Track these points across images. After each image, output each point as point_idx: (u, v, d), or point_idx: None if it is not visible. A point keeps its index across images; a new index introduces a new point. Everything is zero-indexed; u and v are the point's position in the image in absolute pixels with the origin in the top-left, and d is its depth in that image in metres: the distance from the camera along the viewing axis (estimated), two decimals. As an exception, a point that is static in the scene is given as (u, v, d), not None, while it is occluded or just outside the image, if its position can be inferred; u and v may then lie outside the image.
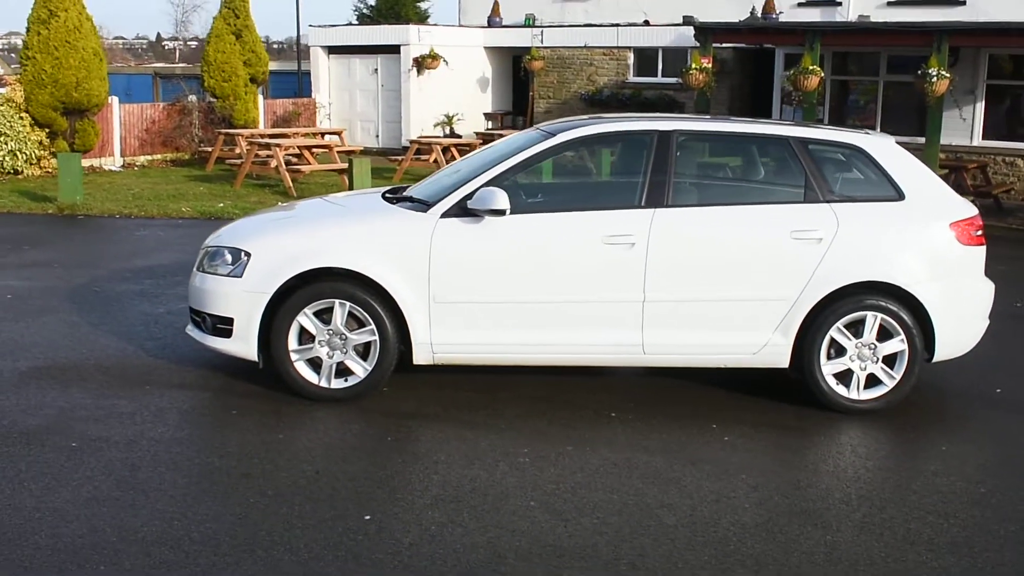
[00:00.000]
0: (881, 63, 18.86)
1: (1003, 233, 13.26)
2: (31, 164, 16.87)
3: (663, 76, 21.79)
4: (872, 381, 5.95)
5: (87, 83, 16.89)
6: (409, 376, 6.24)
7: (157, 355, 6.82)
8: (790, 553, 4.23)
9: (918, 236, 5.99)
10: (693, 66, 17.57)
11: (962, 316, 6.05)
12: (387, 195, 6.55)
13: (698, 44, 18.00)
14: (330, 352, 5.85)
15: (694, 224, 5.91)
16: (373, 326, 5.80)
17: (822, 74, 16.61)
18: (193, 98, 20.23)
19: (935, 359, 6.04)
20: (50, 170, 16.76)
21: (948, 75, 15.38)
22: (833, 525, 4.50)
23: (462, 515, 4.48)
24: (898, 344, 5.89)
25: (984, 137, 17.88)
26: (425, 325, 5.83)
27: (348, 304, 5.79)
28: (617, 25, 22.25)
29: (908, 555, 4.24)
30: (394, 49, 22.76)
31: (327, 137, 20.05)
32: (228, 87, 19.58)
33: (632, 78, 22.24)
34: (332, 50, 23.79)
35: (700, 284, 5.85)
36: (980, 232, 6.14)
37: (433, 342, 5.87)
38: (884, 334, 5.90)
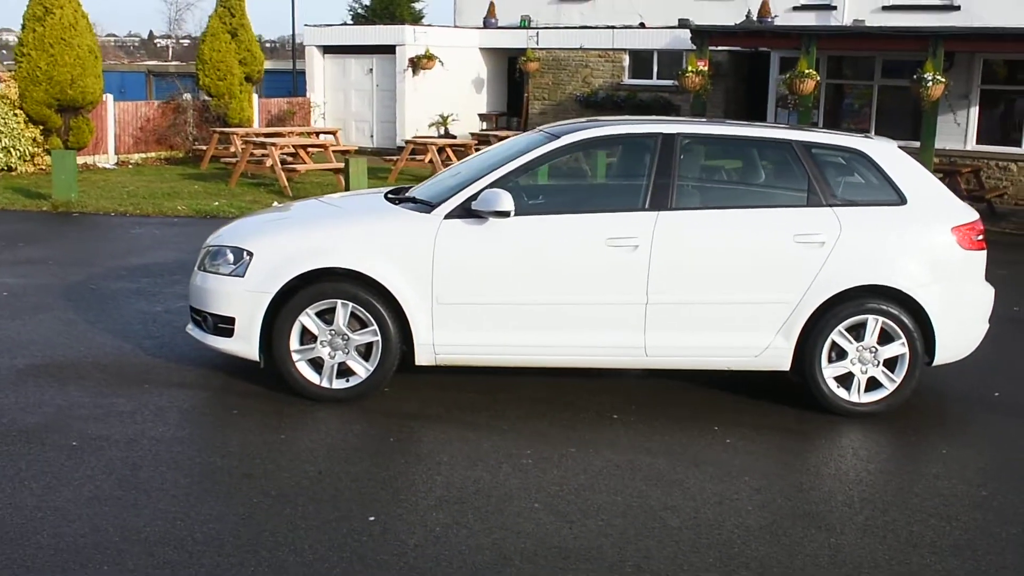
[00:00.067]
0: (876, 67, 18.92)
1: (997, 237, 13.28)
2: (25, 161, 16.81)
3: (658, 78, 21.83)
4: (873, 384, 5.97)
5: (82, 80, 16.84)
6: (410, 376, 6.23)
7: (155, 354, 6.80)
8: (794, 556, 4.23)
9: (920, 240, 6.00)
10: (689, 69, 17.61)
11: (963, 320, 6.07)
12: (390, 196, 6.54)
13: (694, 47, 18.03)
14: (332, 352, 5.83)
15: (697, 227, 5.91)
16: (375, 326, 5.79)
17: (818, 78, 16.66)
18: (188, 96, 20.18)
19: (935, 362, 6.06)
20: (44, 167, 16.71)
21: (944, 80, 15.44)
22: (837, 528, 4.51)
23: (466, 517, 4.47)
24: (899, 347, 5.91)
25: (978, 141, 17.96)
26: (428, 326, 5.82)
27: (351, 304, 5.77)
28: (612, 27, 22.28)
29: (912, 558, 4.25)
30: (390, 49, 22.74)
31: (322, 137, 20.04)
32: (223, 86, 19.54)
33: (627, 80, 22.26)
34: (327, 50, 23.76)
35: (703, 287, 5.85)
36: (981, 237, 6.16)
37: (436, 343, 5.86)
38: (885, 337, 5.91)
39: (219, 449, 5.19)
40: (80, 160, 16.93)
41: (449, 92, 22.97)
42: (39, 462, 4.91)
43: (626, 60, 22.24)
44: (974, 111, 17.99)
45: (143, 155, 19.62)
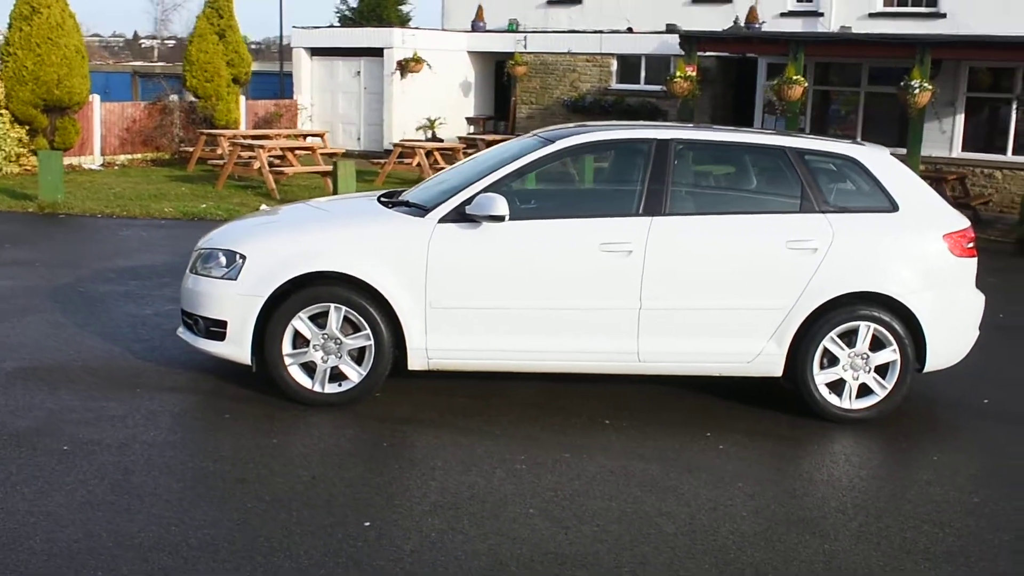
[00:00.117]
0: (862, 74, 19.03)
1: (984, 245, 13.28)
2: (10, 162, 16.69)
3: (646, 83, 21.87)
4: (864, 391, 5.99)
5: (68, 80, 16.75)
6: (403, 381, 6.21)
7: (146, 357, 6.75)
8: (789, 562, 4.25)
9: (911, 247, 6.04)
10: (678, 74, 17.66)
11: (953, 327, 6.10)
12: (383, 199, 6.52)
13: (682, 52, 18.09)
14: (325, 356, 5.81)
15: (691, 233, 5.93)
16: (368, 331, 5.77)
17: (806, 84, 16.75)
18: (174, 97, 20.09)
19: (926, 369, 6.10)
20: (30, 168, 16.59)
21: (930, 87, 15.56)
22: (831, 534, 4.52)
23: (462, 522, 4.46)
24: (890, 354, 5.94)
25: (964, 149, 18.09)
26: (421, 330, 5.81)
27: (344, 308, 5.75)
28: (600, 32, 22.32)
29: (906, 564, 4.27)
30: (377, 52, 22.70)
31: (309, 139, 19.98)
32: (210, 87, 19.45)
33: (615, 85, 22.30)
34: (315, 52, 23.70)
35: (696, 292, 5.87)
36: (972, 244, 6.21)
37: (429, 347, 5.84)
38: (876, 344, 5.94)
39: (212, 454, 5.16)
40: (66, 161, 16.81)
41: (437, 95, 22.95)
42: (30, 466, 4.87)
43: (614, 65, 22.28)
44: (960, 118, 18.11)
45: (129, 156, 19.52)
